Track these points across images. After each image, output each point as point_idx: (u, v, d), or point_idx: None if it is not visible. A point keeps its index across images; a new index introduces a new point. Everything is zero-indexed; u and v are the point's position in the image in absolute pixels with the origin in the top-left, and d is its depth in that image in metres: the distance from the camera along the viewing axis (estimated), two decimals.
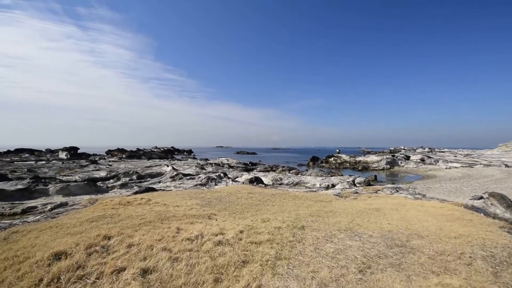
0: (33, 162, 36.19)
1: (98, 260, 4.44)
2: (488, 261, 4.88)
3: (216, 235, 5.98)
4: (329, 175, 28.68)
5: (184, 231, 6.31)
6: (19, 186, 14.24)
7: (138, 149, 69.79)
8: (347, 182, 22.01)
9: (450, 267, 4.67)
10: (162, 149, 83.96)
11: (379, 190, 16.96)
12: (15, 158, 41.36)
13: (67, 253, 4.66)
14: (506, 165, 33.47)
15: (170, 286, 3.86)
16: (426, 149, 67.45)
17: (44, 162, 36.91)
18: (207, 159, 53.60)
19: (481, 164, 36.65)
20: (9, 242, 5.87)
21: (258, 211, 9.69)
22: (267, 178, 24.51)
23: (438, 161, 41.04)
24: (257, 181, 20.85)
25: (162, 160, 50.48)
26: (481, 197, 13.19)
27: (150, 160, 49.79)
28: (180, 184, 19.87)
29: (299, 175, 28.17)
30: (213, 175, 22.78)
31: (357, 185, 21.66)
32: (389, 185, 20.05)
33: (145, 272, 4.11)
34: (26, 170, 25.43)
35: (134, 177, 22.74)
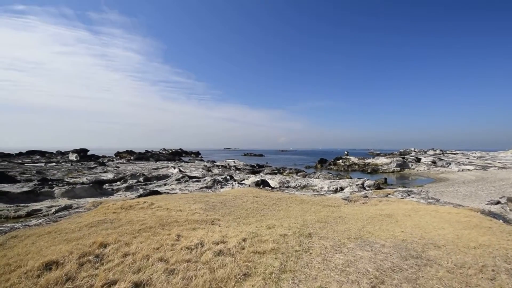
0: (43, 164, 36.85)
1: (90, 272, 4.16)
2: None
3: (218, 243, 5.65)
4: (337, 178, 28.01)
5: (184, 239, 6.02)
6: (25, 189, 14.31)
7: (147, 151, 70.35)
8: (356, 185, 21.36)
9: (472, 283, 4.24)
10: (170, 151, 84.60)
11: (389, 194, 16.33)
12: (26, 160, 42.30)
13: (59, 262, 4.42)
14: None
15: None
16: (438, 151, 65.92)
17: (53, 164, 37.53)
18: (214, 161, 53.51)
19: (495, 166, 35.26)
20: (5, 248, 5.72)
21: (263, 216, 9.35)
22: (273, 181, 24.08)
23: (450, 164, 39.71)
24: (263, 184, 20.47)
25: (169, 162, 50.74)
26: (498, 202, 12.47)
27: (158, 162, 50.10)
28: (185, 186, 19.69)
29: (306, 178, 27.60)
30: (219, 178, 22.52)
31: (367, 188, 20.99)
32: (400, 189, 19.34)
33: (137, 286, 3.80)
34: (35, 172, 25.82)
35: (141, 179, 22.69)
